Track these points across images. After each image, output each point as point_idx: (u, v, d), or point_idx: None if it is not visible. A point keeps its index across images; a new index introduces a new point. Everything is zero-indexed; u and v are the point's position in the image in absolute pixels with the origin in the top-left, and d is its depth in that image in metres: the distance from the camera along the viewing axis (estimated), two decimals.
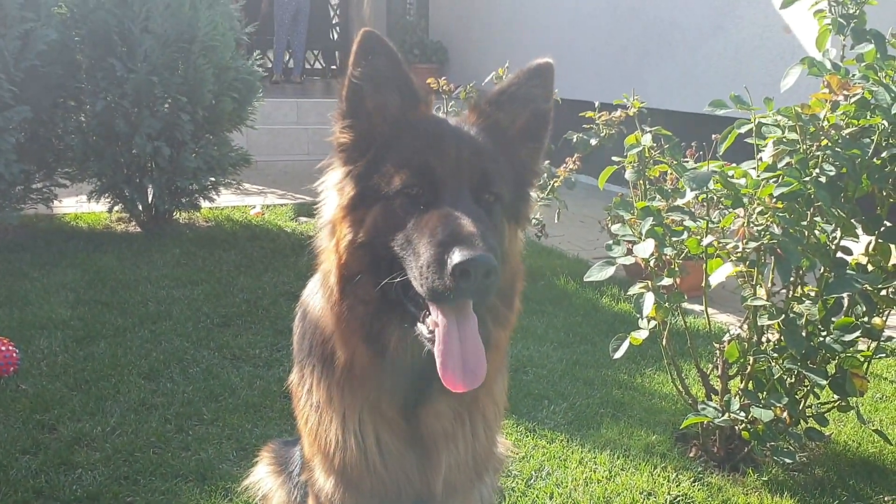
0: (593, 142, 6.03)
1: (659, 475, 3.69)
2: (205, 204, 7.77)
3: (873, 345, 3.54)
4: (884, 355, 3.59)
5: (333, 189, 2.10)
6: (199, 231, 7.62)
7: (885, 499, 3.59)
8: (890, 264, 3.54)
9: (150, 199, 7.36)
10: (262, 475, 2.89)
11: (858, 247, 3.55)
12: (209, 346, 4.93)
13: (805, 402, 3.58)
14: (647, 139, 3.74)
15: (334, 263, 2.02)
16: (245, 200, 8.89)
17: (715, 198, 4.03)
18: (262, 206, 8.60)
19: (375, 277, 1.95)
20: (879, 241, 3.48)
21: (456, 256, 1.72)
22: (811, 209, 3.39)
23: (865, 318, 3.28)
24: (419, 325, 1.91)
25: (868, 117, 3.38)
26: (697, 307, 5.46)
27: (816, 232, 3.46)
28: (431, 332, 1.87)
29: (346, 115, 2.05)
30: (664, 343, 3.80)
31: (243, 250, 6.97)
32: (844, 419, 4.21)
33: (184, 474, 3.56)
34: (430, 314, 1.88)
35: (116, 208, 7.50)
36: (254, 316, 5.45)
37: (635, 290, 3.60)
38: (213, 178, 7.51)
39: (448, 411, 2.14)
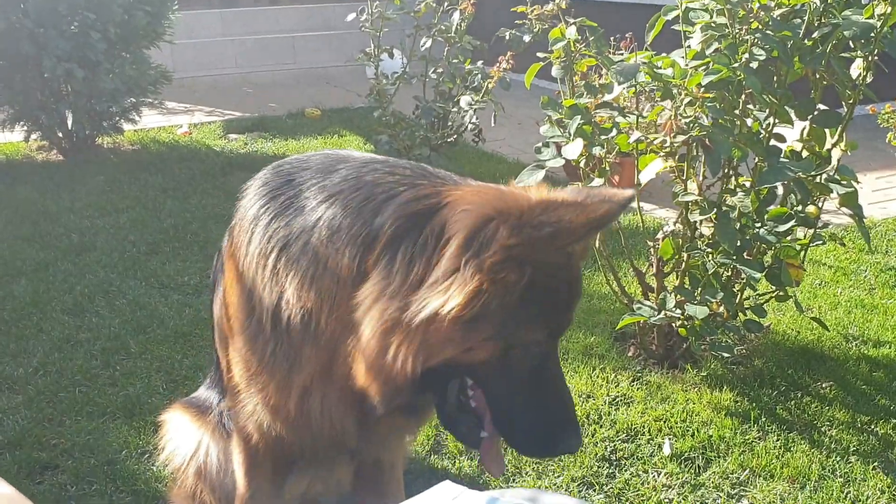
0: (526, 38, 5.78)
1: (598, 377, 3.66)
2: (128, 127, 7.42)
3: (810, 232, 3.48)
4: (821, 242, 3.53)
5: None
6: (125, 156, 7.29)
7: (823, 385, 3.60)
8: (824, 150, 3.46)
9: (69, 126, 6.99)
10: (175, 421, 2.72)
11: (794, 133, 3.45)
12: (136, 275, 4.74)
13: (742, 296, 3.53)
14: (571, 32, 3.55)
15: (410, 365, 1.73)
16: (171, 120, 8.51)
17: (645, 91, 3.89)
18: (189, 125, 8.24)
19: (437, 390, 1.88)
20: (813, 126, 3.38)
21: (568, 442, 1.86)
22: (742, 97, 3.27)
23: (800, 208, 3.21)
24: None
25: None
26: (635, 204, 5.38)
27: (749, 121, 3.35)
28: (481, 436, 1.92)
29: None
30: (598, 245, 3.71)
31: (170, 173, 6.68)
32: (783, 308, 4.20)
33: (111, 412, 3.43)
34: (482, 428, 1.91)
35: (34, 136, 7.12)
36: (182, 241, 5.24)
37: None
38: (133, 99, 7.15)
39: (402, 419, 2.09)
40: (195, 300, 4.41)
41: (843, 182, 3.16)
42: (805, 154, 3.44)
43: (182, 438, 2.69)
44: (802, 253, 3.52)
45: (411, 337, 1.66)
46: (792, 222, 3.16)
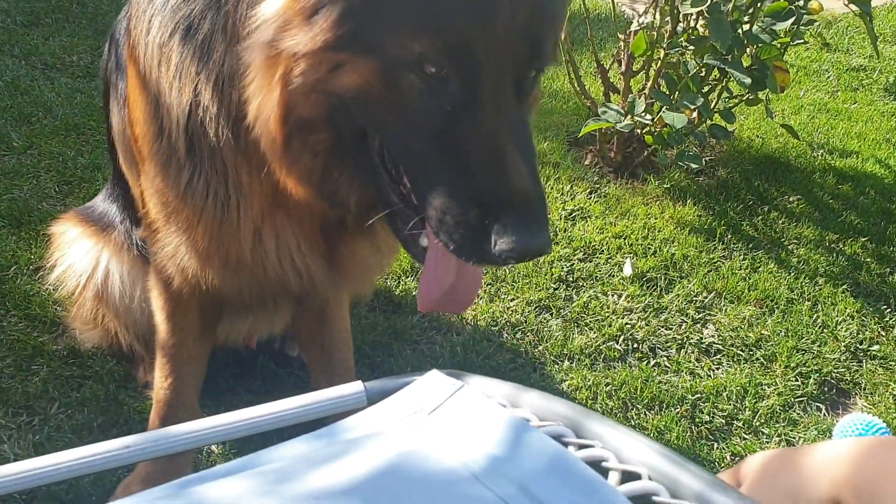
0: None
1: (552, 188, 3.32)
2: None
3: (789, 22, 3.07)
4: (801, 41, 3.16)
5: None
6: None
7: (790, 198, 3.37)
8: None
9: None
10: (68, 234, 2.27)
11: None
12: (13, 52, 4.02)
13: (718, 101, 3.18)
14: None
15: (276, 104, 1.28)
16: None
17: None
18: None
19: (337, 132, 1.31)
20: None
21: (505, 240, 1.20)
22: None
23: (801, 2, 2.79)
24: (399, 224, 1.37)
25: None
26: None
27: None
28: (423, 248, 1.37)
29: None
30: (563, 41, 3.24)
31: None
32: (746, 112, 3.88)
33: None
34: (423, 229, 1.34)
35: None
36: (67, 12, 4.46)
37: None
38: None
39: (370, 248, 1.68)
40: (87, 85, 3.78)
41: None
42: None
43: (77, 255, 2.25)
44: (782, 52, 3.15)
45: (282, 71, 1.25)
46: (792, 19, 2.75)
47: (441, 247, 1.29)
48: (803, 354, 2.66)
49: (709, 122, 3.32)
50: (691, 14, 2.85)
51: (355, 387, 0.93)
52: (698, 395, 2.48)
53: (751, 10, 2.90)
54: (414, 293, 2.77)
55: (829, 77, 4.44)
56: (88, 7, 4.51)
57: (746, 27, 2.85)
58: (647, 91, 3.17)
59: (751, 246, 3.10)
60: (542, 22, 1.26)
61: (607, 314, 2.76)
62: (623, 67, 3.26)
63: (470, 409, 0.86)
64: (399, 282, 2.81)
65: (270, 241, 1.58)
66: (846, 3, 2.83)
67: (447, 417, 0.86)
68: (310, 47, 1.21)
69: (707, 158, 3.54)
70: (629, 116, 3.07)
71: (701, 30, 2.89)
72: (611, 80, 3.42)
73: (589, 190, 3.33)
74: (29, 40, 4.13)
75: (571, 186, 3.34)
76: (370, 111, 1.26)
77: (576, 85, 3.43)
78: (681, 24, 2.99)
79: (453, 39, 1.19)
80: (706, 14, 2.73)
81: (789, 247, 3.12)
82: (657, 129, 3.14)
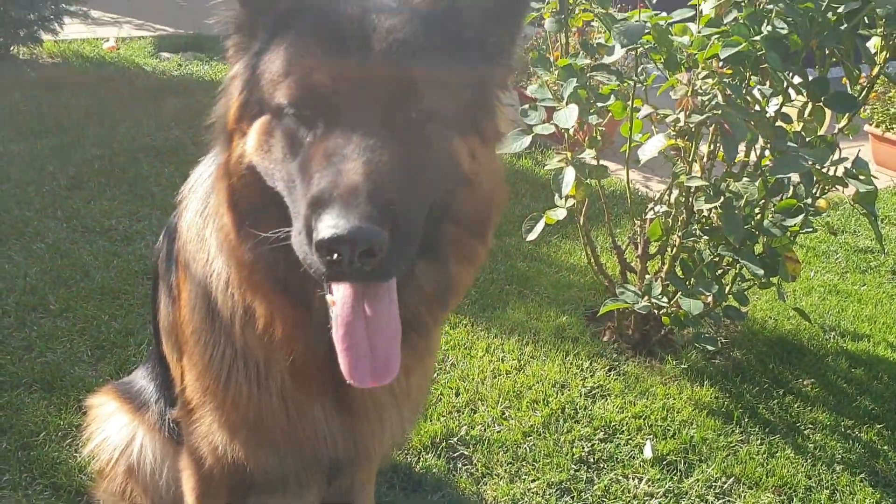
0: None
1: (571, 363, 3.39)
2: (47, 37, 6.70)
3: (799, 219, 3.24)
4: (810, 230, 3.30)
5: (231, 80, 1.53)
6: (44, 70, 6.59)
7: (805, 382, 3.42)
8: (821, 131, 3.20)
9: None
10: (105, 408, 2.35)
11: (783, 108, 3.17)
12: (56, 215, 4.22)
13: (732, 286, 3.29)
14: None
15: (225, 190, 1.48)
16: (97, 32, 7.76)
17: (644, 53, 3.55)
18: (116, 38, 7.53)
19: (278, 214, 1.42)
20: (820, 107, 3.10)
21: (321, 228, 1.23)
22: (748, 73, 2.97)
23: (809, 200, 2.94)
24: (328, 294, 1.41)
25: None
26: (611, 164, 5.11)
27: (758, 97, 3.05)
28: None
29: None
30: (582, 222, 3.41)
31: (95, 93, 6.05)
32: (759, 293, 4.00)
33: (27, 383, 2.99)
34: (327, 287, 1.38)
35: None
36: (109, 177, 4.71)
37: (553, 164, 3.14)
38: (54, 6, 6.44)
39: (383, 388, 1.70)
40: (124, 249, 3.94)
41: (861, 178, 2.90)
42: (804, 135, 3.17)
43: (112, 429, 2.33)
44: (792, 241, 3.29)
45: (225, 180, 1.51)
46: (801, 216, 2.90)
47: (344, 308, 1.36)
48: None
49: (723, 303, 3.43)
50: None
51: None
52: None
53: (762, 202, 3.06)
54: (434, 470, 2.80)
55: (837, 258, 4.58)
56: (129, 172, 4.76)
57: (758, 217, 3.00)
58: (663, 274, 3.29)
59: (768, 430, 3.13)
60: (410, 57, 1.38)
61: (629, 498, 2.77)
62: (639, 251, 3.40)
63: None
64: (419, 457, 2.84)
65: (292, 406, 1.69)
66: (852, 203, 2.98)
67: None
68: (234, 122, 1.47)
69: (722, 339, 3.62)
70: (646, 298, 3.18)
71: (714, 217, 3.04)
72: (627, 260, 3.56)
73: (608, 367, 3.39)
74: (71, 203, 4.34)
75: (591, 363, 3.41)
76: (274, 168, 1.41)
77: (593, 263, 3.57)
78: (695, 214, 3.14)
79: (310, 87, 1.36)
80: (719, 209, 2.89)
81: (805, 432, 3.15)
82: (674, 311, 3.24)
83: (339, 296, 1.36)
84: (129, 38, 7.71)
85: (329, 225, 1.21)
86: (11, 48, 6.57)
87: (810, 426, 3.19)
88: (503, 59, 1.55)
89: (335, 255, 1.22)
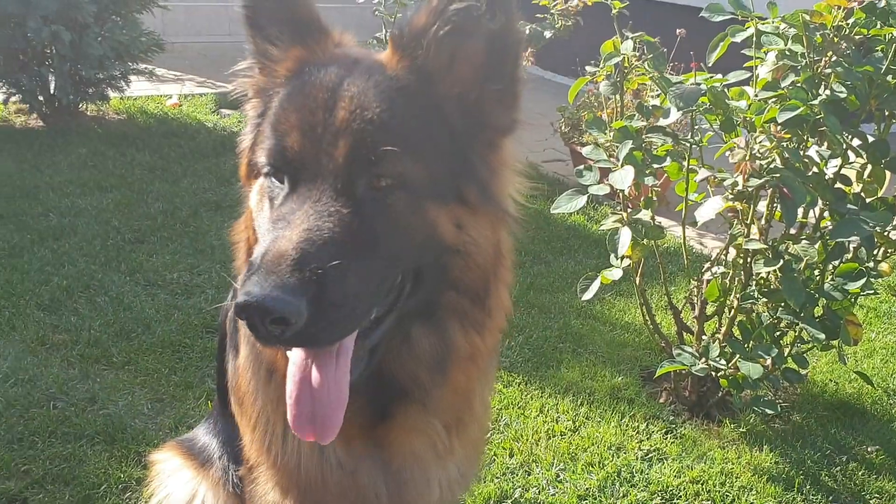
0: (547, 34, 5.44)
1: (627, 425, 3.35)
2: (114, 94, 6.96)
3: (861, 282, 3.19)
4: (871, 292, 3.24)
5: (242, 140, 1.71)
6: (110, 126, 6.83)
7: (868, 449, 3.33)
8: (880, 193, 3.16)
9: (51, 90, 6.52)
10: (169, 464, 2.40)
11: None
12: (119, 268, 4.35)
13: (792, 349, 3.24)
14: (627, 47, 3.21)
15: (242, 243, 1.68)
16: (160, 89, 8.04)
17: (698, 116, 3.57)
18: (178, 95, 7.80)
19: None
20: (882, 167, 3.07)
21: (238, 293, 1.27)
22: (806, 136, 2.96)
23: (870, 264, 2.90)
24: None
25: (879, 26, 2.92)
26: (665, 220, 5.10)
27: (816, 159, 3.04)
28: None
29: (250, 53, 1.63)
30: (638, 281, 3.40)
31: (158, 149, 6.26)
32: (819, 354, 3.92)
33: (89, 435, 3.06)
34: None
35: (13, 99, 6.65)
36: (171, 231, 4.84)
37: (609, 224, 3.15)
38: (122, 67, 6.69)
39: (420, 432, 1.71)
40: (185, 302, 4.03)
41: None
42: (864, 196, 3.14)
43: (176, 485, 2.38)
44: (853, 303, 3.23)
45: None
46: (863, 280, 2.86)
47: (294, 365, 1.44)
48: None
49: (782, 366, 3.37)
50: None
51: None
52: None
53: (822, 264, 3.02)
54: None
55: None
56: (190, 227, 4.89)
57: (818, 280, 2.96)
58: (720, 336, 3.25)
59: (831, 498, 3.04)
60: (373, 124, 1.40)
61: None
62: (696, 312, 3.37)
63: None
64: None
65: (343, 468, 1.73)
66: None
67: None
68: (244, 189, 1.63)
69: (781, 402, 3.55)
70: (704, 360, 3.14)
71: (773, 280, 3.01)
72: (683, 320, 3.52)
73: (665, 430, 3.35)
74: (135, 257, 4.46)
75: (647, 425, 3.36)
76: (259, 226, 1.52)
77: (649, 323, 3.55)
78: (752, 276, 3.11)
79: (280, 150, 1.44)
80: (779, 273, 2.86)
81: (872, 501, 3.05)
82: (731, 373, 3.19)
83: (292, 355, 1.45)
84: (191, 94, 7.97)
85: (243, 291, 1.25)
86: (80, 105, 6.83)
87: (876, 496, 3.09)
88: (495, 118, 1.55)
89: (251, 323, 1.26)
